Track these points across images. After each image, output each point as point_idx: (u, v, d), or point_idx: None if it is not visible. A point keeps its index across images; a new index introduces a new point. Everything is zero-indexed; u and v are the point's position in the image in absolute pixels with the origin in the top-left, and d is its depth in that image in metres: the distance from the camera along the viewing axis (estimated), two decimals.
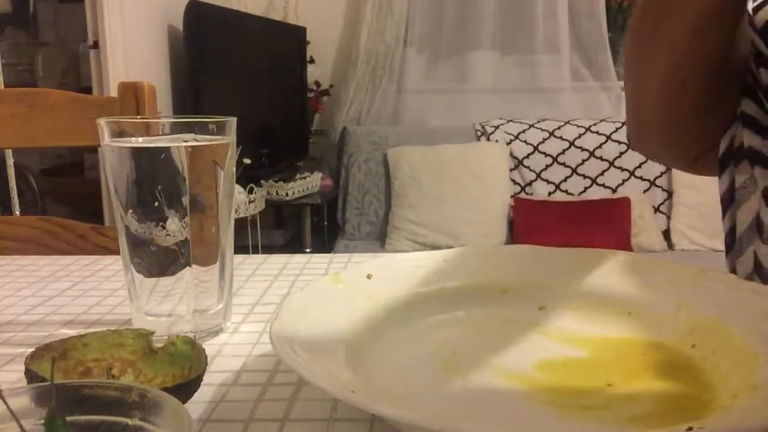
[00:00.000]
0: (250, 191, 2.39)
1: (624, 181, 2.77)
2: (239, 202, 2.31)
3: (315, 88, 3.12)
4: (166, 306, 0.49)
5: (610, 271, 0.50)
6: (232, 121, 0.49)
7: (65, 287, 0.62)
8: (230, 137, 0.49)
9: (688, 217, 2.68)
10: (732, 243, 0.58)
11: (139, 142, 0.47)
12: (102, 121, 0.47)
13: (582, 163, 2.79)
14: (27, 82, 3.06)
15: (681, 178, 2.71)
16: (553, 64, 3.02)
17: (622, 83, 3.07)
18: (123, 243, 0.48)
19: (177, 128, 0.49)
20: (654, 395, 0.38)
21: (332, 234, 2.93)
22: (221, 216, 0.49)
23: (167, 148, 0.46)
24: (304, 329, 0.39)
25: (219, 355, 0.46)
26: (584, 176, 2.79)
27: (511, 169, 2.79)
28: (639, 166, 2.77)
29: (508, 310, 0.49)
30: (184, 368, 0.38)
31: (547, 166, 2.79)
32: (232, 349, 0.47)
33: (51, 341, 0.39)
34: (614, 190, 2.77)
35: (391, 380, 0.39)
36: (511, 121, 2.88)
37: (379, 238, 2.79)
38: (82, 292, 0.61)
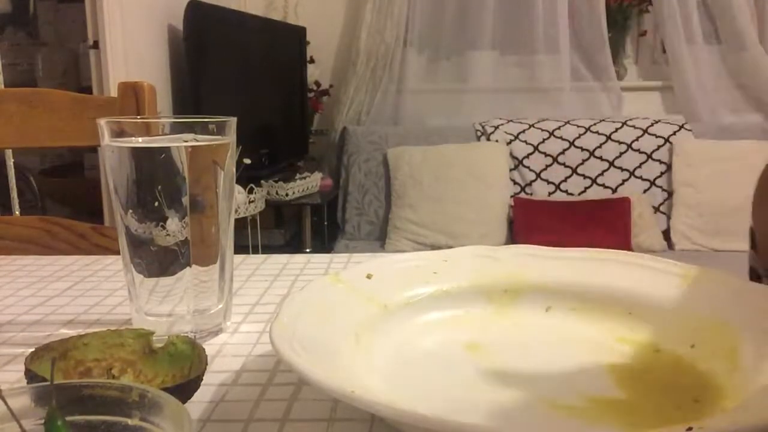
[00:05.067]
0: (250, 191, 2.39)
1: (624, 181, 2.77)
2: (239, 202, 2.31)
3: (315, 88, 3.12)
4: (166, 306, 0.49)
5: (610, 271, 0.49)
6: (232, 121, 0.49)
7: (65, 287, 0.62)
8: (230, 137, 0.49)
9: (688, 217, 2.68)
10: None
11: (139, 142, 0.47)
12: (102, 121, 0.47)
13: (582, 163, 2.79)
14: (27, 82, 3.06)
15: (681, 178, 2.71)
16: (553, 64, 3.02)
17: (622, 83, 3.07)
18: (123, 243, 0.48)
19: (177, 128, 0.49)
20: (654, 395, 0.38)
21: (332, 234, 2.93)
22: (221, 216, 0.49)
23: (167, 148, 0.46)
24: (304, 329, 0.39)
25: (219, 355, 0.46)
26: (584, 176, 2.79)
27: (511, 169, 2.79)
28: (639, 166, 2.77)
29: (508, 310, 0.49)
30: (184, 368, 0.38)
31: (547, 166, 2.79)
32: (232, 349, 0.47)
33: (51, 341, 0.39)
34: (614, 190, 2.77)
35: (391, 380, 0.39)
36: (511, 121, 2.88)
37: (379, 238, 2.79)
38: (82, 292, 0.61)
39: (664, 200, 2.76)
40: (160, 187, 0.46)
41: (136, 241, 0.47)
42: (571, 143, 2.80)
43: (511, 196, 2.75)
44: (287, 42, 2.95)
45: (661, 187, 2.76)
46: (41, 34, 3.33)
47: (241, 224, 2.38)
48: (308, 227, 2.79)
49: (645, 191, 2.76)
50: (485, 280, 0.50)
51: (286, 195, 2.69)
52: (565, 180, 2.79)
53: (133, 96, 0.93)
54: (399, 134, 2.90)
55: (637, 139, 2.78)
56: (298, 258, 0.72)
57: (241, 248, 2.38)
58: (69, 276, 0.66)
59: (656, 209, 2.75)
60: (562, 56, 2.99)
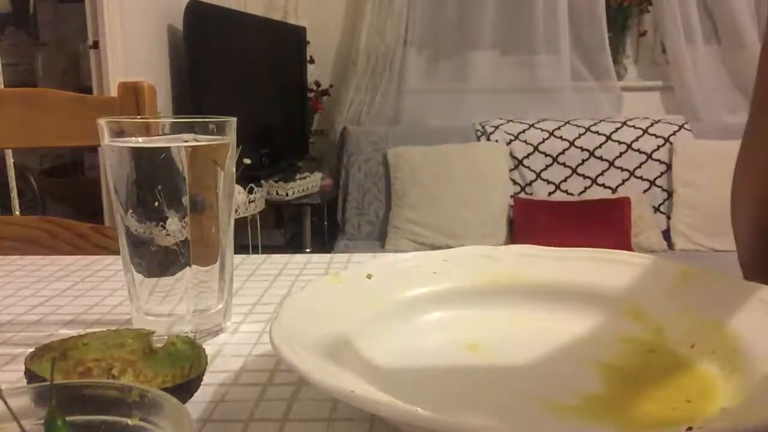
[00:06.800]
0: (250, 191, 2.38)
1: (624, 181, 2.77)
2: (239, 202, 2.31)
3: (315, 88, 3.12)
4: (166, 306, 0.49)
5: (610, 271, 0.50)
6: (232, 121, 0.49)
7: (65, 287, 0.62)
8: (230, 137, 0.49)
9: (688, 217, 2.68)
10: None
11: (139, 142, 0.47)
12: (102, 121, 0.47)
13: (582, 163, 2.79)
14: (27, 82, 3.06)
15: (681, 178, 2.71)
16: (553, 64, 3.02)
17: (622, 83, 3.07)
18: (123, 243, 0.48)
19: (177, 128, 0.49)
20: (654, 395, 0.38)
21: (332, 234, 2.93)
22: (221, 216, 0.49)
23: (167, 148, 0.46)
24: (304, 329, 0.39)
25: (219, 355, 0.46)
26: (584, 176, 2.79)
27: (511, 169, 2.79)
28: (639, 166, 2.77)
29: (507, 310, 0.49)
30: (184, 368, 0.38)
31: (547, 166, 2.79)
32: (232, 349, 0.47)
33: (51, 341, 0.39)
34: (614, 190, 2.77)
35: (390, 380, 0.39)
36: (511, 121, 2.88)
37: (379, 238, 2.79)
38: (82, 292, 0.61)
39: (664, 200, 2.76)
40: (160, 187, 0.46)
41: (136, 241, 0.47)
42: (571, 143, 2.80)
43: (511, 196, 2.75)
44: (287, 42, 2.95)
45: (661, 187, 2.77)
46: (41, 34, 3.33)
47: (241, 224, 2.38)
48: (308, 227, 2.79)
49: (645, 191, 2.76)
50: (485, 280, 0.50)
51: (286, 195, 2.69)
52: (565, 180, 2.79)
53: (133, 96, 0.93)
54: (399, 134, 2.90)
55: (637, 139, 2.78)
56: (298, 258, 0.72)
57: (241, 248, 2.38)
58: (69, 276, 0.66)
59: (656, 209, 2.75)
60: (562, 56, 2.99)
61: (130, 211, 0.47)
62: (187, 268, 0.47)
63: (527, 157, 2.80)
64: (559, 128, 2.83)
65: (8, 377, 0.43)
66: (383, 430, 0.36)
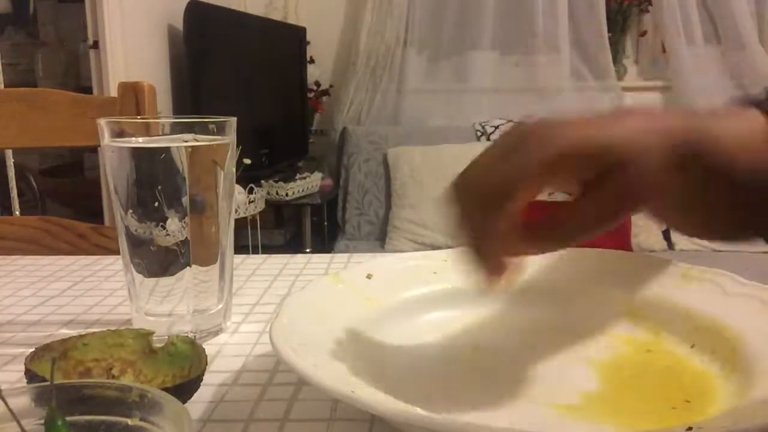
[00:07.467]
0: (250, 191, 2.38)
1: None
2: (239, 202, 2.31)
3: (315, 88, 3.12)
4: (166, 306, 0.49)
5: (610, 272, 0.49)
6: (232, 121, 0.49)
7: (65, 287, 0.62)
8: (230, 137, 0.49)
9: None
10: None
11: (139, 142, 0.47)
12: (102, 121, 0.47)
13: None
14: (27, 82, 3.06)
15: None
16: (553, 64, 3.02)
17: (622, 83, 3.07)
18: (123, 243, 0.48)
19: (177, 128, 0.49)
20: (653, 395, 0.38)
21: (332, 234, 2.93)
22: (221, 216, 0.49)
23: (167, 148, 0.46)
24: (304, 330, 0.39)
25: (219, 355, 0.46)
26: None
27: None
28: None
29: (508, 310, 0.49)
30: (184, 368, 0.38)
31: None
32: (232, 349, 0.47)
33: (51, 341, 0.39)
34: None
35: (391, 380, 0.39)
36: (511, 121, 2.88)
37: (379, 238, 2.78)
38: (82, 292, 0.61)
39: None
40: (160, 187, 0.46)
41: (136, 241, 0.47)
42: None
43: None
44: (287, 42, 2.95)
45: None
46: (41, 34, 3.33)
47: (241, 224, 2.38)
48: (308, 227, 2.79)
49: None
50: None
51: (286, 195, 2.69)
52: None
53: (133, 96, 0.93)
54: (399, 134, 2.90)
55: None
56: (298, 258, 0.72)
57: (241, 248, 2.38)
58: (69, 276, 0.66)
59: None
60: (562, 56, 2.99)
61: (130, 211, 0.47)
62: (187, 268, 0.47)
63: None
64: None
65: (8, 377, 0.43)
66: (383, 430, 0.36)
